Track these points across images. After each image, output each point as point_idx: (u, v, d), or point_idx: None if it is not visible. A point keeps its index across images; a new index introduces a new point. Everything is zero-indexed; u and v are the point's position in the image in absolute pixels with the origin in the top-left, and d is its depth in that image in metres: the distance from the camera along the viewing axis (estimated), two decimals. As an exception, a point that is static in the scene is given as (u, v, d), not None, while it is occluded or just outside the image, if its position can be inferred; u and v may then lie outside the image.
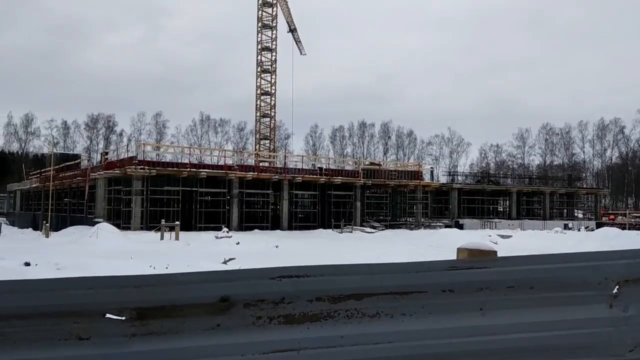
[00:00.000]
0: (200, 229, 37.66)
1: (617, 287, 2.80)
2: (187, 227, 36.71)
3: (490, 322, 2.62)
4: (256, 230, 38.80)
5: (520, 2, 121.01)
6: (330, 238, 34.33)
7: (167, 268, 14.25)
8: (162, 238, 28.46)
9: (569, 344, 2.75)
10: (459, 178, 68.57)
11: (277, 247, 24.36)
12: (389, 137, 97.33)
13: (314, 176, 46.54)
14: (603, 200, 77.87)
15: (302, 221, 46.13)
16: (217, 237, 28.21)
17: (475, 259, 2.61)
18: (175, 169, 39.91)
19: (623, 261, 2.81)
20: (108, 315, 2.29)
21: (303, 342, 2.45)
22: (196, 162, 44.80)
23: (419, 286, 2.55)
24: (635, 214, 65.57)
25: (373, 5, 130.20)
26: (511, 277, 2.64)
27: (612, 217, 62.42)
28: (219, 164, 45.96)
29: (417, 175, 52.98)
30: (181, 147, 60.26)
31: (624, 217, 59.87)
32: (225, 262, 17.02)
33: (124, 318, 2.29)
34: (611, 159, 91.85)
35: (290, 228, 42.86)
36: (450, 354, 2.62)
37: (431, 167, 76.11)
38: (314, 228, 43.43)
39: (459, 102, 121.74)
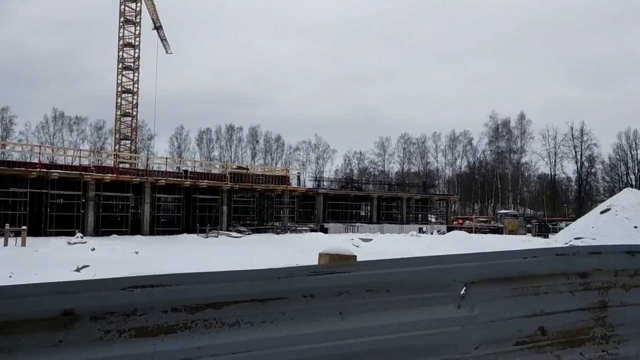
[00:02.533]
0: (50, 234, 34.89)
1: (465, 288, 2.98)
2: (35, 232, 33.79)
3: (350, 326, 2.66)
4: (114, 236, 36.73)
5: (385, 17, 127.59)
6: (195, 243, 33.46)
7: (10, 277, 12.95)
8: (6, 244, 25.91)
9: (422, 343, 2.87)
10: (325, 183, 70.64)
11: (137, 253, 23.20)
12: (257, 142, 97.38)
13: (179, 179, 45.25)
14: (453, 206, 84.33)
15: (166, 226, 44.53)
16: (69, 243, 26.27)
17: (336, 264, 2.64)
18: (22, 168, 36.63)
19: (470, 264, 3.00)
20: None
21: (156, 356, 2.30)
22: (47, 162, 41.44)
23: (280, 292, 2.51)
24: (481, 219, 71.88)
25: (244, 8, 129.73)
26: (369, 281, 2.70)
27: (460, 221, 67.75)
28: (74, 164, 42.93)
29: (284, 180, 53.63)
30: (30, 145, 55.47)
31: (471, 222, 65.33)
32: (77, 270, 15.83)
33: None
34: (460, 168, 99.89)
35: (152, 233, 41.17)
36: (311, 359, 2.61)
37: (298, 173, 77.34)
38: (178, 233, 42.15)
39: (325, 109, 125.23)
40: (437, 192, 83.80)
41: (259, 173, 54.69)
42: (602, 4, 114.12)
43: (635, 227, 37.21)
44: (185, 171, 49.08)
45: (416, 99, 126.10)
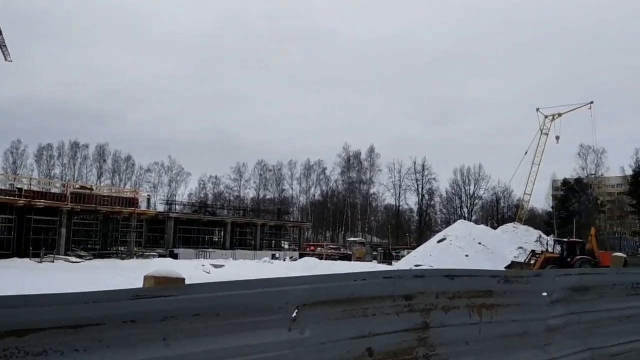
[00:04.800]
0: None
1: (297, 310, 2.99)
2: None
3: (173, 353, 2.52)
4: None
5: (243, 42, 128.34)
6: (25, 268, 30.38)
7: None
8: None
9: (251, 368, 2.82)
10: (177, 207, 68.48)
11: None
12: (105, 161, 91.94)
13: (12, 197, 41.08)
14: (306, 233, 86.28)
15: (-7, 248, 39.99)
16: None
17: (161, 286, 2.50)
18: None
19: (302, 286, 3.02)
20: None
21: (-61, 394, 1.99)
22: None
23: (96, 318, 2.31)
24: (331, 246, 74.26)
25: (96, 21, 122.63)
26: (197, 305, 2.59)
27: (312, 248, 69.40)
28: None
29: (133, 202, 51.04)
30: None
31: (322, 249, 67.19)
32: None
33: None
34: (314, 196, 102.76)
35: (-25, 256, 36.74)
36: (128, 390, 2.43)
37: (148, 195, 74.13)
38: (8, 257, 38.06)
39: (180, 130, 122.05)
40: (291, 219, 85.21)
41: (104, 194, 51.50)
42: (441, 54, 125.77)
43: (467, 255, 40.90)
44: (20, 189, 44.70)
45: (273, 125, 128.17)
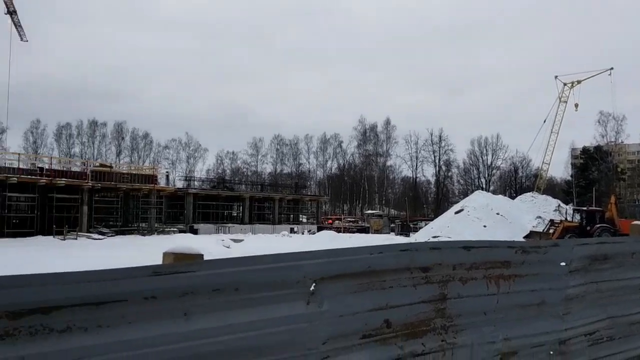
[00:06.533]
0: None
1: (314, 284, 3.03)
2: None
3: (195, 327, 2.58)
4: (-45, 238, 33.00)
5: (247, 17, 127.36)
6: (50, 246, 31.02)
7: None
8: None
9: (271, 341, 2.87)
10: (195, 183, 69.03)
11: (-20, 257, 21.01)
12: (123, 139, 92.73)
13: (34, 177, 41.72)
14: (324, 206, 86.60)
15: (17, 227, 40.85)
16: None
17: (181, 263, 2.55)
18: None
19: (319, 260, 3.05)
20: None
21: (-29, 369, 2.06)
22: None
23: (117, 294, 2.37)
24: (349, 219, 74.45)
25: (107, 1, 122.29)
26: (216, 280, 2.63)
27: (330, 221, 69.66)
28: None
29: (152, 179, 51.54)
30: None
31: (340, 222, 67.43)
32: None
33: None
34: (331, 169, 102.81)
35: (1, 235, 37.53)
36: (153, 363, 2.50)
37: (167, 172, 74.83)
38: (32, 235, 38.86)
39: (196, 107, 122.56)
40: (309, 193, 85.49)
41: (124, 172, 52.08)
42: (454, 22, 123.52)
43: (485, 226, 40.71)
44: (42, 168, 45.32)
45: (287, 100, 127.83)
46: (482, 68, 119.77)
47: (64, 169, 48.91)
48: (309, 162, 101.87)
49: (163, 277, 2.48)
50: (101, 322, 2.35)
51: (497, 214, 42.51)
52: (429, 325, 3.58)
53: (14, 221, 41.70)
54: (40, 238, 37.28)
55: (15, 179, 39.60)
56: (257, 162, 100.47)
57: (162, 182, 56.69)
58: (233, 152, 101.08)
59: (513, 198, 56.05)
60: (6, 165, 43.55)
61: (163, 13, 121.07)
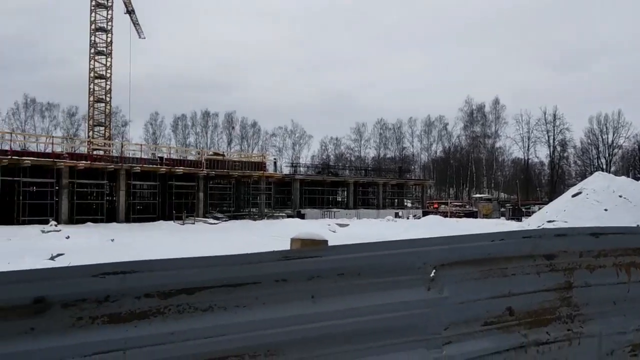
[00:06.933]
0: (24, 223, 34.32)
1: (435, 270, 3.05)
2: (7, 221, 33.26)
3: (322, 309, 2.70)
4: (89, 224, 36.32)
5: (346, 3, 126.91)
6: (171, 230, 33.27)
7: (-19, 267, 12.74)
8: (-24, 234, 25.41)
9: (393, 325, 2.94)
10: (301, 169, 70.56)
11: (112, 240, 23.01)
12: (233, 128, 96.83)
13: (154, 166, 44.80)
14: (429, 191, 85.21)
15: (141, 213, 44.13)
16: (43, 232, 25.91)
17: (307, 248, 2.68)
18: (-7, 156, 35.85)
19: (439, 247, 3.06)
20: None
21: (130, 342, 2.31)
22: (19, 149, 40.62)
23: (252, 277, 2.54)
24: (456, 203, 72.78)
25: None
26: (340, 265, 2.74)
27: (436, 205, 68.52)
28: (47, 151, 42.15)
29: (260, 166, 53.47)
30: (1, 132, 54.22)
31: (446, 206, 66.09)
32: (52, 259, 15.65)
33: None
34: (436, 153, 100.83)
35: (127, 220, 40.80)
36: (282, 342, 2.66)
37: (274, 158, 77.22)
38: (154, 220, 41.84)
39: (300, 95, 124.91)
40: (413, 177, 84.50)
41: (235, 159, 54.45)
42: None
43: (606, 209, 38.06)
44: (161, 158, 48.60)
45: (389, 84, 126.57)
46: (599, 40, 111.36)
47: (181, 158, 52.06)
48: (412, 146, 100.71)
49: (292, 262, 2.62)
50: (238, 302, 2.53)
51: (620, 196, 39.48)
52: (554, 314, 3.47)
53: (138, 207, 45.09)
54: (162, 223, 40.02)
55: (139, 168, 42.76)
56: (360, 147, 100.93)
57: (270, 169, 58.60)
58: (337, 138, 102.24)
59: (638, 179, 51.80)
60: (130, 156, 47.19)
61: (260, 4, 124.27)
